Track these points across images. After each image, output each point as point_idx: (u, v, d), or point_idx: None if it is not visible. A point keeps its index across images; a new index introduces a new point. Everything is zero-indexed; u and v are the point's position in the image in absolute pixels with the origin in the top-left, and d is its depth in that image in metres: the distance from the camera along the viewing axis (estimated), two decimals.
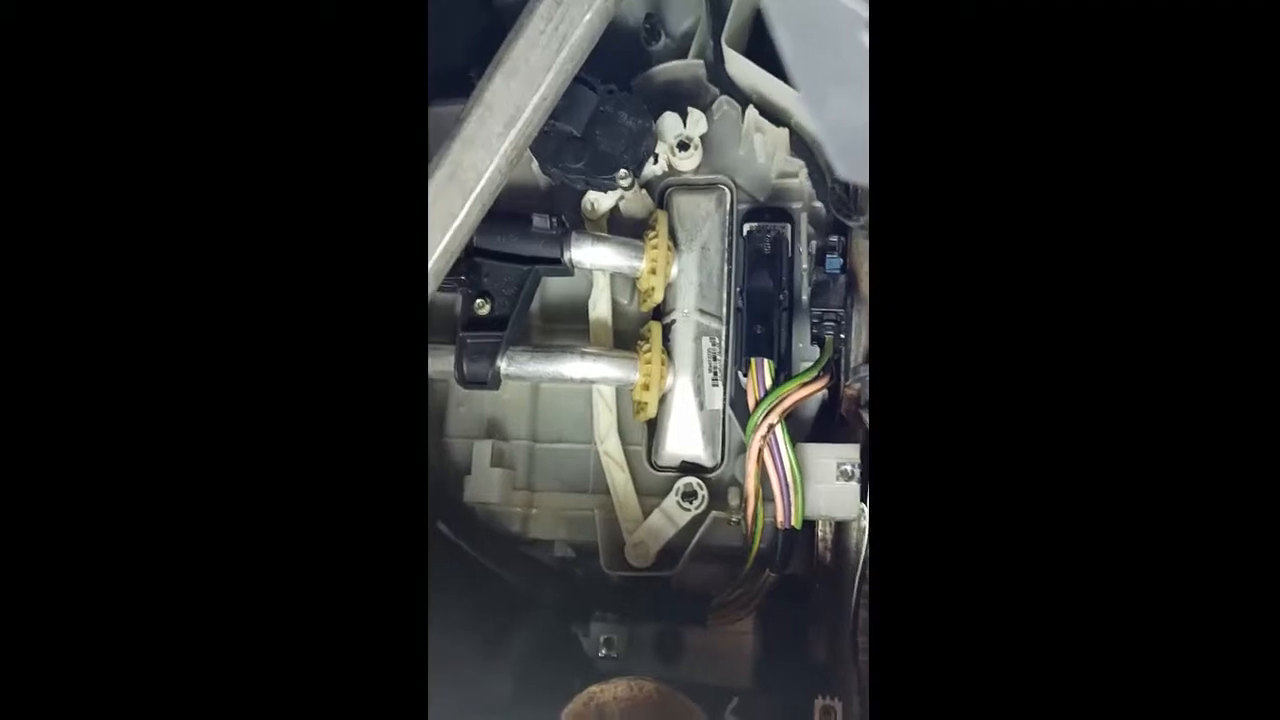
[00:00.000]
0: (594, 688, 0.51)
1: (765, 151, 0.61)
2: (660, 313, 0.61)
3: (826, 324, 0.57)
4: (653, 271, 0.59)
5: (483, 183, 0.51)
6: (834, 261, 0.57)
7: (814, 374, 0.57)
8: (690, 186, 0.62)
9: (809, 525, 0.58)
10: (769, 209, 0.61)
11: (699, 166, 0.61)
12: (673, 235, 0.60)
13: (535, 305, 0.62)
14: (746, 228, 0.60)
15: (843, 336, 0.58)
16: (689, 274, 0.60)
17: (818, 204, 0.60)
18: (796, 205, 0.61)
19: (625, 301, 0.62)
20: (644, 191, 0.61)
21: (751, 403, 0.57)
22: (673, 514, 0.58)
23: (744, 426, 0.57)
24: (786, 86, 0.58)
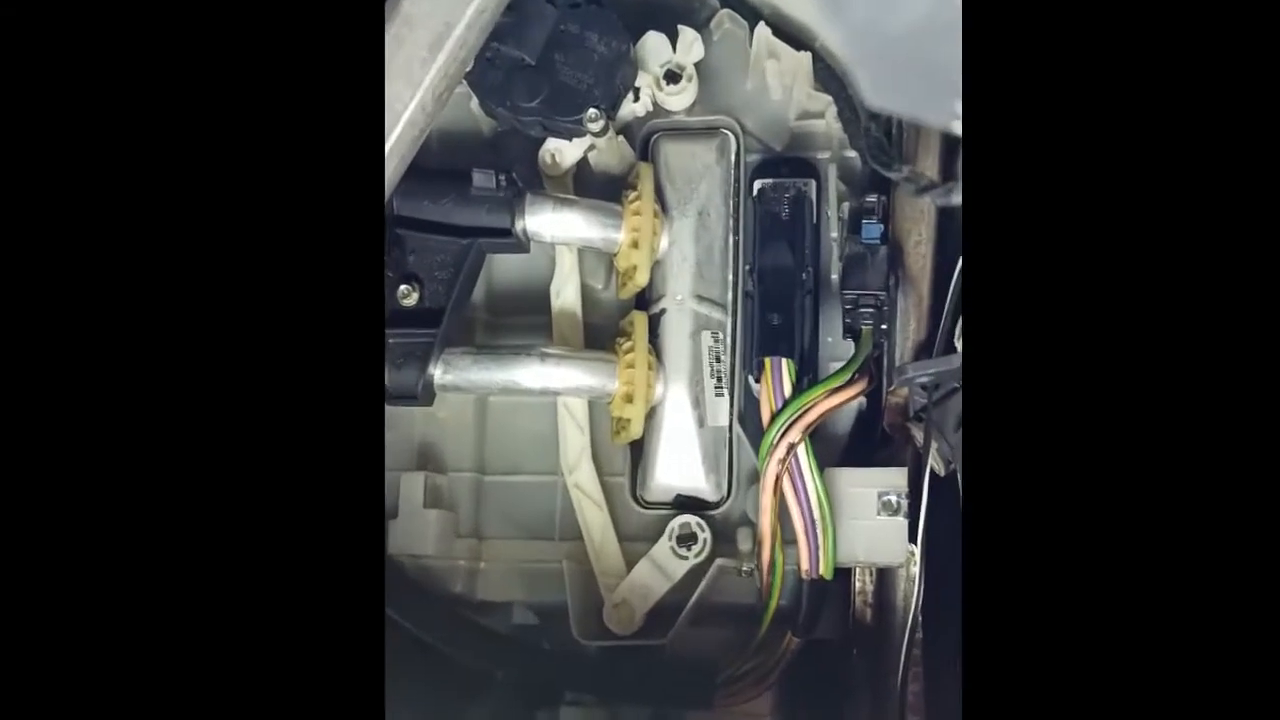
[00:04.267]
0: None
1: (781, 84, 0.55)
2: (645, 300, 0.56)
3: (863, 311, 0.52)
4: (634, 245, 0.54)
5: (402, 126, 0.45)
6: (872, 228, 0.52)
7: (847, 377, 0.52)
8: (683, 132, 0.57)
9: (842, 574, 0.54)
10: (787, 160, 0.56)
11: (694, 105, 0.56)
12: (660, 197, 0.55)
13: (479, 293, 0.57)
14: (758, 186, 0.55)
15: (884, 327, 0.53)
16: (682, 248, 0.55)
17: (851, 153, 0.55)
18: (823, 155, 0.56)
19: (599, 286, 0.57)
20: (621, 138, 0.56)
21: (766, 416, 0.52)
22: (665, 564, 0.53)
23: (756, 448, 0.53)
24: None
